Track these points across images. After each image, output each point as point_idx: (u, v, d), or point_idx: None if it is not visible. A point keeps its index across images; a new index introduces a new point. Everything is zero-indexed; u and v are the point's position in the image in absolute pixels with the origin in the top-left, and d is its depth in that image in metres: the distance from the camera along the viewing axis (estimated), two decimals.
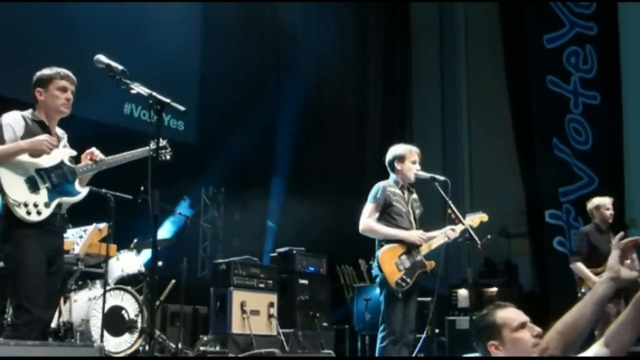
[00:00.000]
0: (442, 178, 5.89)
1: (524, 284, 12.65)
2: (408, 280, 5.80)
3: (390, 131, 13.07)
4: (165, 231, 9.63)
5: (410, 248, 5.92)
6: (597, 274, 7.07)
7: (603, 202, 7.63)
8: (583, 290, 7.33)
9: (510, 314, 2.84)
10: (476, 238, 5.75)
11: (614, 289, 2.47)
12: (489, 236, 6.04)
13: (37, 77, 4.63)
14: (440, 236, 5.95)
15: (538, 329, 2.82)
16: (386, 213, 5.98)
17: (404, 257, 5.88)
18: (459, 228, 5.89)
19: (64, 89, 4.60)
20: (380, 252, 5.89)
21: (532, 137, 12.30)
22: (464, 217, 6.05)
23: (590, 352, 2.55)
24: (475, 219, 6.15)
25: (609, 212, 7.54)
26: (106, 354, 6.02)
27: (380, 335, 5.86)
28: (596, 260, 7.16)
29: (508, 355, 2.77)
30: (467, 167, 14.52)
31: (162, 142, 4.63)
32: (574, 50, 12.54)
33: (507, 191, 12.78)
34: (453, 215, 5.80)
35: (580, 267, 7.29)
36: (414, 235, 5.91)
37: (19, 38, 8.94)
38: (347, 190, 11.62)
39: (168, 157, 4.85)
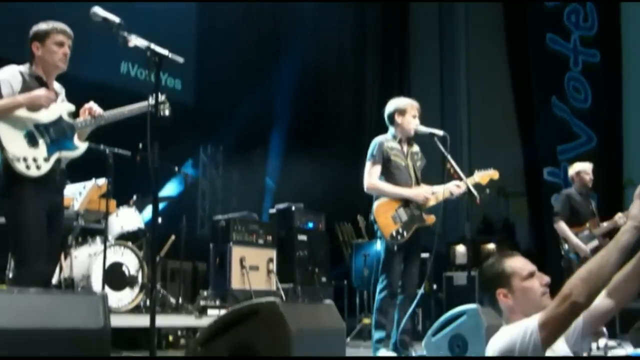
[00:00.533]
0: (441, 133, 5.87)
1: (521, 242, 12.72)
2: (404, 233, 5.80)
3: (388, 90, 13.00)
4: (166, 190, 9.65)
5: (409, 201, 5.92)
6: (577, 233, 7.42)
7: (584, 168, 7.84)
8: (566, 247, 7.46)
9: (519, 263, 2.86)
10: (475, 193, 5.77)
11: (637, 237, 2.46)
12: (487, 191, 6.04)
13: (34, 31, 4.59)
14: (445, 192, 5.94)
15: (547, 278, 2.84)
16: (385, 168, 5.97)
17: (401, 210, 5.88)
18: (463, 185, 5.88)
19: (61, 44, 4.57)
20: (376, 204, 5.90)
21: (531, 96, 12.28)
22: (470, 175, 6.06)
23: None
24: (484, 176, 6.12)
25: (589, 177, 7.77)
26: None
27: (378, 287, 5.90)
28: (577, 221, 7.53)
29: (517, 303, 2.79)
30: (465, 125, 14.51)
31: (161, 97, 4.61)
32: (574, 8, 12.46)
33: (505, 149, 12.78)
34: (452, 171, 5.80)
35: (562, 226, 7.53)
36: (419, 194, 5.90)
37: None
38: (346, 147, 11.64)
39: (167, 112, 4.83)
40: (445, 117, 14.28)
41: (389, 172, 5.97)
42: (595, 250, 7.33)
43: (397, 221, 5.83)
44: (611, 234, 7.49)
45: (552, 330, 2.47)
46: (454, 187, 5.90)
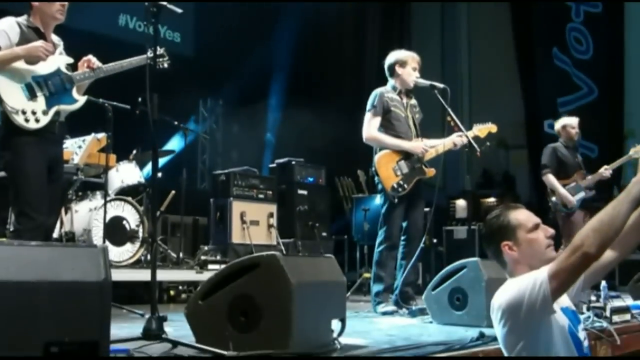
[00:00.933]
0: (441, 86, 5.82)
1: (522, 194, 12.75)
2: (405, 185, 5.81)
3: (389, 41, 12.92)
4: (167, 145, 9.64)
5: (409, 153, 5.91)
6: (565, 185, 7.53)
7: (569, 122, 7.89)
8: (554, 199, 7.56)
9: (523, 215, 2.85)
10: (475, 146, 5.76)
11: None
12: (487, 143, 6.03)
13: None
14: (448, 143, 5.92)
15: (551, 230, 2.84)
16: (385, 119, 5.94)
17: (402, 162, 5.87)
18: (465, 137, 5.87)
19: None
20: (377, 157, 5.89)
21: (532, 47, 12.19)
22: (470, 127, 6.06)
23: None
24: (483, 129, 6.14)
25: (575, 131, 7.82)
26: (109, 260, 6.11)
27: (378, 240, 5.92)
28: (565, 173, 7.62)
29: (522, 255, 2.79)
30: (466, 77, 14.44)
31: (160, 50, 4.56)
32: None
33: (506, 102, 12.75)
34: (452, 123, 5.77)
35: (551, 178, 7.59)
36: (417, 147, 5.90)
37: None
38: (346, 101, 11.59)
39: (166, 65, 4.79)
40: (446, 69, 14.21)
41: (388, 123, 5.95)
42: (582, 202, 7.52)
43: (398, 173, 5.83)
44: (598, 185, 7.70)
45: (562, 281, 2.49)
46: (457, 138, 5.89)
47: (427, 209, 6.78)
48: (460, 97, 13.80)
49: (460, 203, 11.03)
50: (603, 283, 4.86)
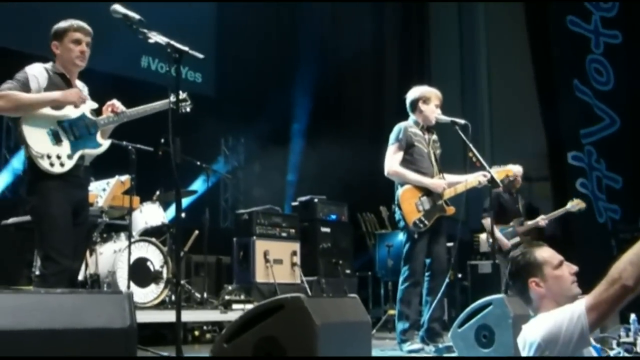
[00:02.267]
0: (462, 121, 5.84)
1: (546, 227, 12.61)
2: (426, 222, 5.81)
3: (408, 77, 12.96)
4: (190, 186, 9.71)
5: (431, 190, 5.92)
6: (502, 230, 7.98)
7: (514, 171, 8.01)
8: (488, 242, 7.80)
9: (548, 252, 2.95)
10: (498, 180, 5.79)
11: None
12: (510, 177, 6.04)
13: (54, 30, 4.63)
14: (472, 181, 5.93)
15: (575, 267, 2.93)
16: (407, 154, 5.97)
17: (424, 198, 5.89)
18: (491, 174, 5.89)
19: (78, 42, 4.58)
20: (400, 191, 5.90)
21: (552, 79, 12.14)
22: (491, 162, 6.10)
23: None
24: (500, 172, 6.20)
25: (518, 179, 8.18)
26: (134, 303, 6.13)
27: (401, 277, 5.90)
28: (504, 218, 8.04)
29: (549, 291, 2.87)
30: (486, 110, 14.41)
31: (182, 95, 4.62)
32: None
33: (528, 134, 12.68)
34: (474, 159, 5.77)
35: (488, 222, 7.72)
36: (439, 185, 5.91)
37: None
38: (366, 137, 11.62)
39: (188, 109, 4.86)
40: (466, 102, 14.19)
41: (411, 158, 5.97)
42: (516, 246, 7.72)
43: (420, 209, 5.84)
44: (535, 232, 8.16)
45: (601, 313, 2.50)
46: (482, 177, 5.90)
47: (450, 244, 6.76)
48: (481, 130, 13.76)
49: (484, 237, 10.92)
50: (632, 317, 4.80)
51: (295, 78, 11.97)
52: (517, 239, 7.91)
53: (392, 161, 5.97)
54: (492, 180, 5.78)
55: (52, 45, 4.61)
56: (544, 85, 12.42)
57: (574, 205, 8.13)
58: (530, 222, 8.14)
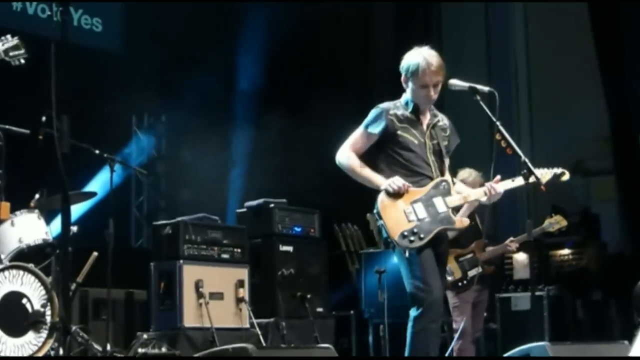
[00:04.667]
0: (486, 89, 5.85)
1: (609, 241, 12.74)
2: (421, 235, 5.78)
3: (408, 29, 13.00)
4: (94, 185, 9.68)
5: (432, 195, 5.91)
6: (459, 257, 8.36)
7: (463, 177, 8.28)
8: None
9: None
10: (539, 176, 5.78)
11: None
12: (557, 171, 6.05)
13: None
14: (479, 191, 5.98)
15: None
16: (388, 147, 5.97)
17: (418, 204, 5.87)
18: (504, 185, 5.92)
19: None
20: (381, 195, 5.87)
21: (620, 31, 12.27)
22: (531, 150, 6.10)
23: None
24: (545, 175, 6.15)
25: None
26: None
27: (412, 315, 5.87)
28: (460, 243, 8.30)
29: None
30: (523, 74, 14.50)
31: (10, 40, 4.58)
32: None
33: (583, 110, 12.78)
34: (504, 143, 5.77)
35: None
36: (386, 181, 5.87)
37: None
38: (347, 113, 11.61)
39: (22, 60, 4.82)
40: (494, 69, 14.25)
41: (394, 154, 5.96)
42: (480, 279, 8.27)
43: (412, 218, 5.83)
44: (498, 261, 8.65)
45: None
46: (482, 192, 5.92)
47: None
48: (515, 104, 13.83)
49: (520, 258, 11.02)
50: None
51: (240, 27, 11.94)
52: (477, 270, 8.19)
53: (349, 146, 6.02)
54: (528, 174, 5.76)
55: None
56: (605, 39, 12.53)
57: (552, 223, 8.51)
58: (495, 247, 8.52)
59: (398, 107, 6.03)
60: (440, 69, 5.94)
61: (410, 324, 5.89)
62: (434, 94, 5.95)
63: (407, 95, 6.07)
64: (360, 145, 6.01)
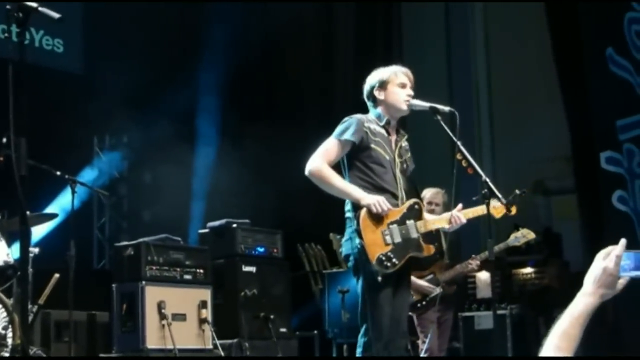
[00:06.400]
0: (446, 109, 5.87)
1: (572, 260, 12.80)
2: (395, 260, 5.76)
3: (369, 50, 13.02)
4: (47, 207, 9.60)
5: (406, 217, 5.90)
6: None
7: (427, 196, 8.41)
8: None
9: None
10: (499, 196, 5.78)
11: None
12: (517, 192, 6.05)
13: None
14: (442, 220, 5.99)
15: None
16: (359, 160, 5.94)
17: (394, 227, 5.85)
18: (468, 213, 5.94)
19: None
20: (363, 213, 5.81)
21: (579, 48, 12.34)
22: (493, 170, 6.11)
23: None
24: (498, 208, 6.09)
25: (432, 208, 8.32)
26: None
27: (361, 340, 5.87)
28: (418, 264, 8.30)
29: None
30: (484, 94, 14.55)
31: None
32: None
33: (543, 128, 12.85)
34: (465, 163, 5.77)
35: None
36: (369, 199, 5.84)
37: None
38: (309, 134, 11.62)
39: None
40: (455, 85, 14.31)
41: (365, 168, 5.94)
42: (443, 299, 8.31)
43: (389, 241, 5.79)
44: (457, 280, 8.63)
45: None
46: (455, 217, 5.91)
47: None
48: (476, 122, 13.88)
49: (483, 277, 11.04)
50: None
51: (202, 48, 11.94)
52: (437, 291, 8.21)
53: (321, 156, 5.93)
54: (489, 195, 5.77)
55: None
56: (565, 56, 12.60)
57: (519, 237, 8.29)
58: (456, 267, 8.45)
59: (370, 120, 6.03)
60: (412, 77, 6.02)
61: (359, 350, 5.90)
62: (410, 95, 5.97)
63: (378, 110, 6.07)
64: (334, 155, 5.94)
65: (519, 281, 11.68)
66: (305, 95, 13.02)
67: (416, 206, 5.97)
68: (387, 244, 5.78)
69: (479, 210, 5.94)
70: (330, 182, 5.88)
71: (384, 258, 5.74)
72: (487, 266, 10.51)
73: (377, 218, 5.82)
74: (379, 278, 5.74)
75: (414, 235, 5.86)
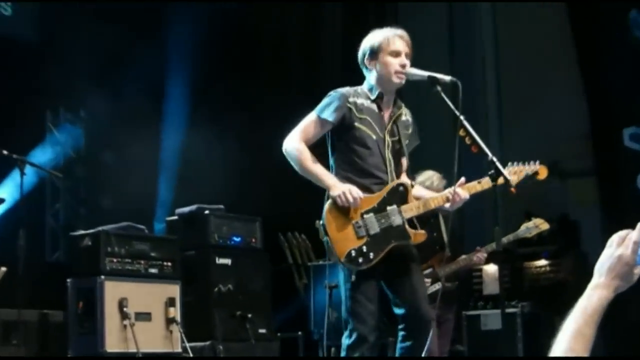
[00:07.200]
0: (447, 78, 5.83)
1: (590, 252, 12.82)
2: (370, 254, 5.75)
3: (360, 21, 13.01)
4: (2, 190, 9.62)
5: (386, 203, 5.88)
6: None
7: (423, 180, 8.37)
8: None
9: None
10: (508, 177, 5.74)
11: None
12: (529, 172, 6.04)
13: None
14: (439, 198, 5.96)
15: None
16: (342, 140, 5.93)
17: (370, 217, 5.83)
18: (471, 188, 5.92)
19: None
20: (328, 205, 5.83)
21: (597, 11, 12.35)
22: (501, 151, 6.08)
23: None
24: (518, 173, 6.10)
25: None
26: None
27: (345, 342, 5.88)
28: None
29: None
30: (491, 64, 14.56)
31: None
32: None
33: (559, 104, 12.88)
34: (468, 140, 5.73)
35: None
36: (336, 189, 5.82)
37: None
38: (291, 108, 11.61)
39: None
40: (458, 55, 14.32)
41: (347, 150, 5.93)
42: (444, 296, 8.01)
43: (362, 233, 5.78)
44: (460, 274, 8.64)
45: None
46: (454, 192, 5.87)
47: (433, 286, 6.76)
48: (482, 97, 13.90)
49: (490, 271, 11.05)
50: None
51: (172, 15, 11.94)
52: (436, 287, 8.11)
53: (299, 133, 5.98)
54: (496, 175, 5.72)
55: None
56: (582, 21, 12.62)
57: (530, 227, 8.31)
58: (458, 260, 8.41)
59: (359, 94, 6.01)
60: (409, 41, 5.97)
61: (343, 347, 5.91)
62: (408, 64, 5.93)
63: (371, 82, 6.05)
64: (312, 133, 5.97)
65: (530, 275, 11.71)
66: (288, 69, 13.02)
67: (400, 188, 5.95)
68: (359, 237, 5.80)
69: (484, 183, 5.90)
70: (304, 165, 5.93)
71: (354, 254, 5.75)
72: (495, 258, 10.51)
73: (347, 209, 5.81)
74: (353, 277, 5.76)
75: (397, 222, 5.85)
